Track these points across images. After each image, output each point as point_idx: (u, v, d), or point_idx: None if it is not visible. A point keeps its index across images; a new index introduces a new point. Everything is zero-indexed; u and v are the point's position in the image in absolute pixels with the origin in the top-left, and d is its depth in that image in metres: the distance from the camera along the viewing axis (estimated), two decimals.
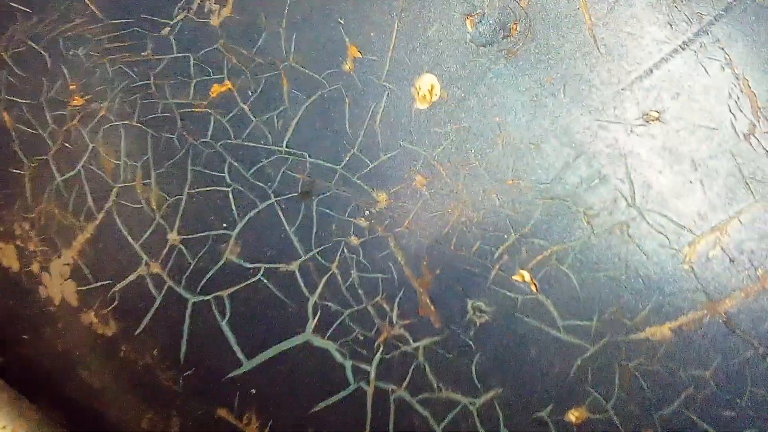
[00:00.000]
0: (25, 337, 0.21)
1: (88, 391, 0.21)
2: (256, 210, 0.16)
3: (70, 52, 0.18)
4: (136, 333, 0.18)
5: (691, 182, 0.15)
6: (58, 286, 0.19)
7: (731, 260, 0.15)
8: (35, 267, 0.19)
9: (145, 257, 0.17)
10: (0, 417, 0.20)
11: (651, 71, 0.15)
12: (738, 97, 0.16)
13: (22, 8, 0.19)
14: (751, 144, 0.15)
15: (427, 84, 0.16)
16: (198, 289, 0.17)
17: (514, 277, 0.15)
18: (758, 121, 0.16)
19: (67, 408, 0.22)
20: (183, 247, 0.17)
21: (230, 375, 0.17)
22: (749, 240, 0.15)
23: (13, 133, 0.19)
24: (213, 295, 0.17)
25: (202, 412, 0.18)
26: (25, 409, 0.21)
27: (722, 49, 0.15)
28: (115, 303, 0.18)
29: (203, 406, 0.18)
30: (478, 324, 0.15)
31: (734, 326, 0.15)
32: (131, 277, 0.18)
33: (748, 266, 0.15)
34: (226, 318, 0.17)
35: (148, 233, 0.17)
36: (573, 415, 0.15)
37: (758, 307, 0.15)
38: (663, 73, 0.16)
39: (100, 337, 0.19)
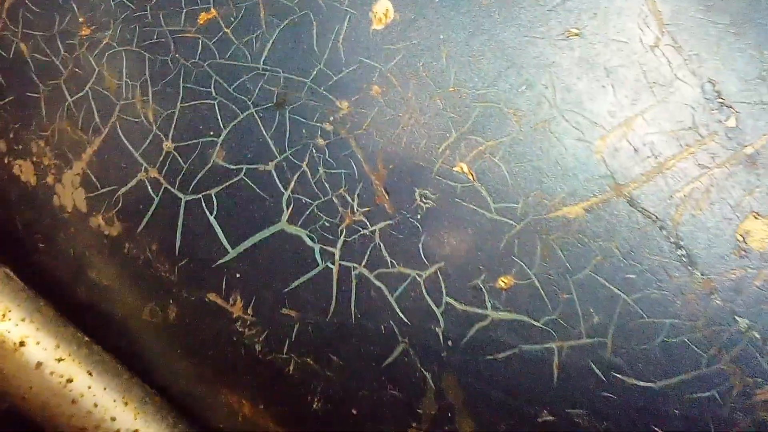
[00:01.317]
0: (41, 245, 0.25)
1: (96, 290, 0.24)
2: (238, 119, 0.20)
3: None
4: (138, 231, 0.21)
5: (603, 87, 0.18)
6: (69, 194, 0.23)
7: (635, 150, 0.18)
8: (50, 179, 0.23)
9: (144, 164, 0.21)
10: (19, 311, 0.24)
11: None
12: (646, 15, 0.19)
13: None
14: (655, 54, 0.19)
15: (383, 8, 0.19)
16: (189, 189, 0.20)
17: (455, 169, 0.19)
18: (662, 36, 0.19)
19: (79, 309, 0.25)
20: (176, 154, 0.20)
21: (218, 263, 0.20)
22: (650, 134, 0.18)
23: (30, 62, 0.22)
24: (202, 193, 0.20)
25: (195, 297, 0.21)
26: (42, 305, 0.24)
27: None
28: (119, 206, 0.21)
29: (196, 292, 0.21)
30: (424, 209, 0.19)
31: (636, 205, 0.18)
32: (132, 182, 0.21)
33: (649, 155, 0.18)
34: (214, 213, 0.20)
35: (146, 143, 0.21)
36: (502, 282, 0.18)
37: (657, 188, 0.18)
38: None
39: (107, 237, 0.22)
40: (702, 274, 0.19)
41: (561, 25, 0.21)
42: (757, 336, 0.19)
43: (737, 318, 0.19)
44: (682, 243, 0.19)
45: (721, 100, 0.20)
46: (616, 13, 0.21)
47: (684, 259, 0.19)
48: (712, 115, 0.20)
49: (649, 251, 0.19)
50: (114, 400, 0.26)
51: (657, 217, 0.19)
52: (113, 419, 0.25)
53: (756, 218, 0.19)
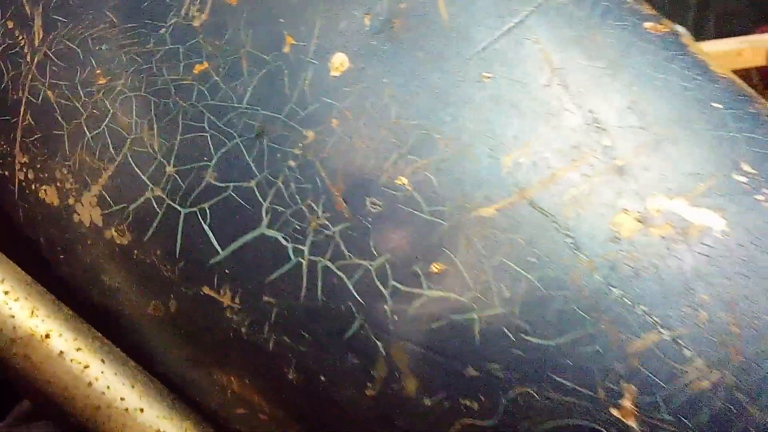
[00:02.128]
0: (61, 257, 0.30)
1: (108, 292, 0.30)
2: (226, 147, 0.26)
3: (96, 48, 0.28)
4: (145, 239, 0.27)
5: (509, 117, 0.25)
6: (87, 212, 0.29)
7: (534, 164, 0.24)
8: (71, 200, 0.29)
9: (150, 185, 0.27)
10: (44, 309, 0.29)
11: None
12: (542, 62, 0.25)
13: (62, 19, 0.28)
14: (548, 92, 0.25)
15: (339, 60, 0.26)
16: (187, 204, 0.26)
17: (397, 182, 0.25)
18: (553, 77, 0.25)
19: (93, 309, 0.31)
20: (176, 176, 0.26)
21: (211, 262, 0.26)
22: (545, 152, 0.25)
23: (56, 106, 0.28)
24: (198, 207, 0.26)
25: (192, 292, 0.27)
26: (62, 306, 0.30)
27: None
28: (129, 219, 0.27)
29: (193, 287, 0.27)
30: (374, 213, 0.25)
31: (535, 205, 0.24)
32: (141, 200, 0.27)
33: (544, 168, 0.25)
34: (207, 222, 0.26)
35: (152, 168, 0.27)
36: (435, 267, 0.24)
37: (550, 193, 0.24)
38: None
39: (118, 246, 0.28)
40: (585, 257, 0.25)
41: (477, 71, 0.27)
42: (628, 301, 0.25)
43: (612, 289, 0.25)
44: (570, 233, 0.26)
45: (598, 125, 0.26)
46: (519, 61, 0.27)
47: (572, 245, 0.25)
48: (591, 137, 0.26)
49: (545, 241, 0.26)
50: (123, 384, 0.31)
51: (551, 215, 0.26)
52: (122, 399, 0.31)
53: (625, 213, 0.26)
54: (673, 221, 0.25)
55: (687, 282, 0.25)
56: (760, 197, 0.26)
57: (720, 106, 0.27)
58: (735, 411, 0.24)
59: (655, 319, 0.25)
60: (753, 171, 0.26)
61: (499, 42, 0.27)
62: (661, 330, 0.25)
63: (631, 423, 0.25)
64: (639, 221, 0.25)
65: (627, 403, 0.25)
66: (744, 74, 1.25)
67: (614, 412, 0.25)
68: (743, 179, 0.26)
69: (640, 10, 0.28)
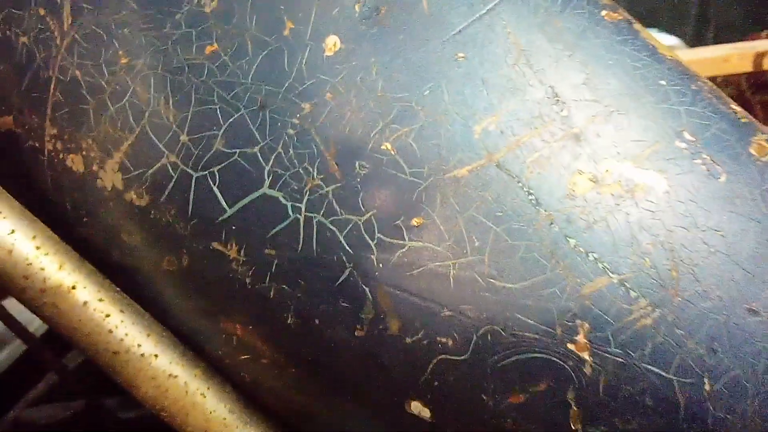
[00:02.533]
0: (85, 219, 0.34)
1: (127, 250, 0.34)
2: (233, 117, 0.30)
3: (119, 31, 0.32)
4: (161, 200, 0.31)
5: (480, 91, 0.29)
6: (110, 177, 0.32)
7: (501, 132, 0.28)
8: (95, 167, 0.33)
9: (166, 152, 0.31)
10: (70, 264, 0.33)
11: None
12: (510, 44, 0.29)
13: (88, 6, 0.32)
14: (515, 70, 0.29)
15: (332, 41, 0.30)
16: (199, 168, 0.30)
17: (382, 147, 0.29)
18: (519, 57, 0.29)
19: (113, 266, 0.35)
20: (190, 144, 0.30)
21: (219, 219, 0.30)
22: (510, 121, 0.28)
23: (82, 83, 0.32)
24: (208, 170, 0.30)
25: (202, 247, 0.31)
26: (85, 262, 0.34)
27: None
28: (147, 183, 0.31)
29: (203, 242, 0.31)
30: (362, 175, 0.29)
31: (502, 167, 0.28)
32: (158, 165, 0.31)
33: (510, 135, 0.29)
34: (216, 184, 0.30)
35: (168, 137, 0.31)
36: (415, 221, 0.28)
37: (515, 156, 0.28)
38: None
39: (137, 207, 0.32)
40: (545, 211, 0.29)
41: (452, 51, 0.31)
42: (582, 250, 0.29)
43: (568, 239, 0.29)
44: (532, 191, 0.29)
45: (557, 99, 0.30)
46: (489, 43, 0.31)
47: (533, 201, 0.29)
48: (551, 108, 0.30)
49: (510, 197, 0.30)
50: (139, 332, 0.35)
51: (515, 175, 0.30)
52: (139, 345, 0.35)
53: (580, 174, 0.30)
54: (622, 181, 0.29)
55: (633, 233, 0.29)
56: (698, 161, 0.30)
57: (665, 83, 0.31)
58: (674, 344, 0.28)
59: (605, 265, 0.29)
60: (692, 138, 0.30)
61: (472, 27, 0.31)
62: (611, 275, 0.29)
63: (585, 356, 0.29)
64: (592, 181, 0.29)
65: (581, 338, 0.29)
66: (733, 79, 1.29)
67: (570, 346, 0.29)
68: (684, 145, 0.30)
69: (597, 0, 0.32)
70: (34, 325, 0.65)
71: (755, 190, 0.30)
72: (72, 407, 0.62)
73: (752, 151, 0.30)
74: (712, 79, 1.36)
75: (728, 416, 0.28)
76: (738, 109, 0.32)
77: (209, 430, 0.35)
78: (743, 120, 0.31)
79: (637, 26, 0.32)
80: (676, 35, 2.72)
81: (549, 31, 0.31)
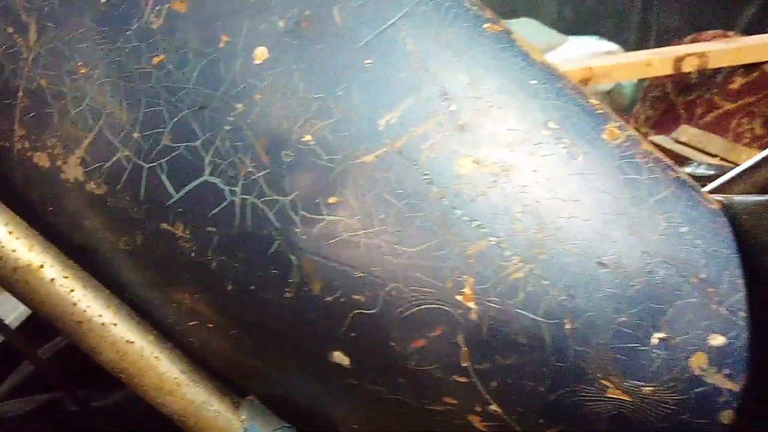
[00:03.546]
0: (50, 209, 0.40)
1: (87, 234, 0.40)
2: (178, 117, 0.36)
3: (78, 46, 0.38)
4: (117, 189, 0.37)
5: (387, 91, 0.35)
6: (72, 171, 0.38)
7: (401, 124, 0.35)
8: (59, 162, 0.39)
9: (120, 147, 0.37)
10: (39, 246, 0.39)
11: None
12: (410, 54, 0.36)
13: (51, 24, 0.38)
14: (416, 75, 0.36)
15: (260, 52, 0.36)
16: (149, 160, 0.36)
17: (303, 138, 0.35)
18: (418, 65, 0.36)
19: (75, 248, 0.40)
20: (141, 140, 0.37)
21: (167, 203, 0.36)
22: (409, 114, 0.35)
23: (47, 91, 0.38)
24: (157, 162, 0.36)
25: (154, 227, 0.37)
26: (51, 244, 0.39)
27: None
28: (105, 174, 0.37)
29: (154, 223, 0.37)
30: (287, 162, 0.35)
31: (403, 153, 0.35)
32: (114, 159, 0.37)
33: (409, 126, 0.35)
34: (164, 173, 0.36)
35: (122, 134, 0.37)
36: (332, 199, 0.35)
37: (413, 143, 0.35)
38: None
39: (96, 195, 0.38)
40: (437, 188, 0.36)
41: (361, 59, 0.38)
42: (466, 219, 0.36)
43: (455, 210, 0.36)
44: (426, 172, 0.36)
45: (446, 96, 0.37)
46: (391, 52, 0.38)
47: (427, 180, 0.36)
48: (442, 105, 0.37)
49: (409, 178, 0.36)
50: (100, 304, 0.41)
51: (413, 159, 0.36)
52: (100, 315, 0.40)
53: (465, 157, 0.36)
54: (499, 163, 0.36)
55: (508, 204, 0.36)
56: (560, 145, 0.37)
57: (535, 82, 0.38)
58: (541, 292, 0.35)
59: (485, 230, 0.36)
60: (556, 127, 0.37)
61: (377, 38, 0.38)
62: (490, 238, 0.36)
63: (471, 304, 0.36)
64: (475, 163, 0.36)
65: (467, 290, 0.36)
66: (660, 82, 1.39)
67: (459, 297, 0.36)
68: (549, 133, 0.37)
69: (481, 15, 0.40)
70: (10, 317, 0.70)
71: (606, 168, 0.37)
72: (38, 400, 0.67)
73: (605, 136, 0.38)
74: (647, 80, 1.46)
75: (585, 348, 0.35)
76: (595, 102, 0.39)
77: (163, 389, 0.41)
78: (599, 111, 0.39)
79: (515, 36, 0.40)
80: (621, 40, 2.84)
81: (441, 41, 0.38)
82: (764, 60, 1.23)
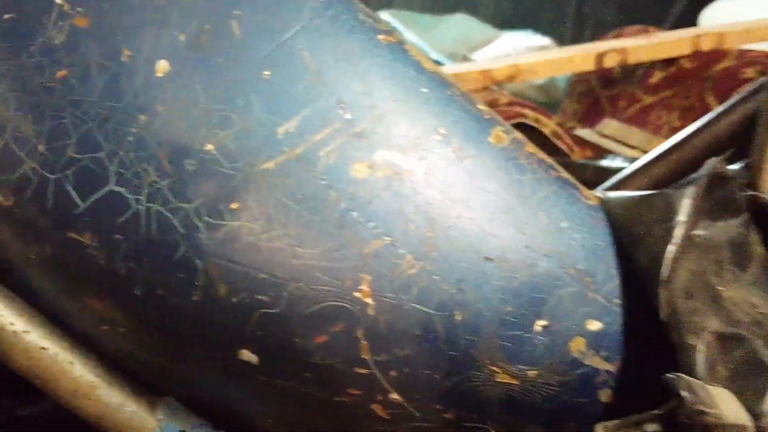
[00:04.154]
0: None
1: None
2: (83, 129, 0.37)
3: None
4: (24, 200, 0.39)
5: (284, 101, 0.38)
6: None
7: (300, 133, 0.37)
8: None
9: (26, 159, 0.38)
10: None
11: None
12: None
13: None
14: (305, 88, 0.38)
15: (162, 65, 0.38)
16: (55, 172, 0.38)
17: (205, 147, 0.37)
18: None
19: None
20: (47, 152, 0.38)
21: (74, 212, 0.38)
22: (308, 121, 0.38)
23: None
24: (62, 173, 0.38)
25: (62, 237, 0.38)
26: None
27: None
28: (12, 186, 0.39)
29: (62, 233, 0.38)
30: (191, 171, 0.37)
31: (301, 160, 0.37)
32: (20, 171, 0.38)
33: (308, 133, 0.38)
34: (70, 184, 0.38)
35: (28, 148, 0.38)
36: (233, 205, 0.37)
37: (311, 149, 0.37)
38: None
39: (4, 207, 0.39)
40: (335, 192, 0.38)
41: (260, 71, 0.40)
42: (362, 220, 0.38)
43: (352, 212, 0.38)
44: (324, 177, 0.39)
45: (343, 105, 0.40)
46: (289, 64, 0.40)
47: (325, 185, 0.39)
48: (338, 113, 0.40)
49: (307, 184, 0.39)
50: (12, 313, 0.42)
51: (311, 166, 0.39)
52: (12, 323, 0.41)
53: (360, 163, 0.39)
54: (392, 167, 0.39)
55: (401, 205, 0.39)
56: (449, 149, 0.40)
57: (427, 90, 0.41)
58: (433, 287, 0.38)
59: (380, 231, 0.38)
60: (446, 132, 0.40)
61: (275, 51, 0.40)
62: (385, 238, 0.38)
63: (368, 300, 0.38)
64: (370, 167, 0.39)
65: (365, 287, 0.38)
66: (585, 77, 1.45)
67: (357, 294, 0.38)
68: (439, 138, 0.40)
69: (376, 27, 0.42)
70: None
71: (492, 169, 0.40)
72: None
73: (491, 140, 0.41)
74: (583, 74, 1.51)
75: (475, 338, 0.38)
76: (484, 108, 0.42)
77: (78, 393, 0.42)
78: (486, 117, 0.42)
79: (408, 46, 0.42)
80: (557, 34, 2.92)
81: (336, 53, 0.41)
82: (681, 55, 1.29)
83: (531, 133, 1.12)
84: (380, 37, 0.42)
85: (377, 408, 0.40)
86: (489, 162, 0.40)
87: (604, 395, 0.39)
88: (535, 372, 0.39)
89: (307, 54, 0.40)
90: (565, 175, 0.42)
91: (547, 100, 2.29)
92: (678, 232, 0.36)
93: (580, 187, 0.42)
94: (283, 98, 0.39)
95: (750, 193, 0.40)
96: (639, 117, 1.27)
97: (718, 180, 0.38)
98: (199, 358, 0.42)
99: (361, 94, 0.40)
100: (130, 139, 0.39)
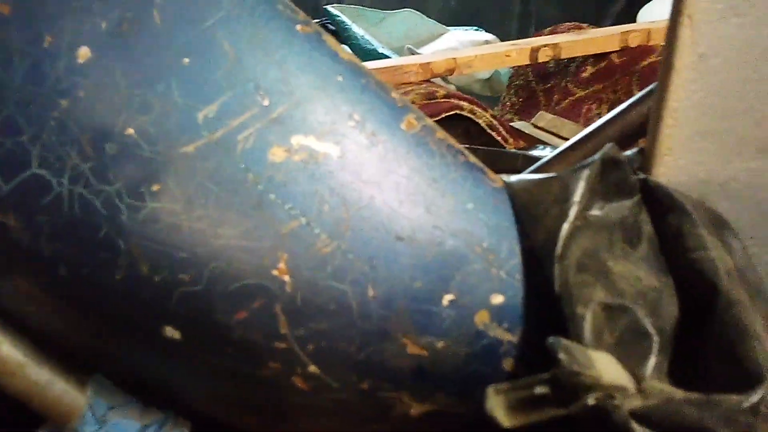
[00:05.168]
0: None
1: None
2: (4, 114, 0.38)
3: None
4: None
5: (207, 86, 0.38)
6: None
7: (219, 118, 0.38)
8: None
9: None
10: None
11: None
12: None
13: None
14: (232, 78, 0.39)
15: (83, 51, 0.38)
16: None
17: (125, 132, 0.37)
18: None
19: None
20: None
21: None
22: (228, 108, 0.38)
23: None
24: None
25: None
26: None
27: None
28: None
29: None
30: (111, 154, 0.37)
31: (220, 143, 0.38)
32: None
33: (228, 118, 0.38)
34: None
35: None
36: (155, 187, 0.37)
37: (230, 135, 0.38)
38: None
39: None
40: (252, 175, 0.39)
41: (180, 58, 0.40)
42: (279, 202, 0.39)
43: (269, 194, 0.39)
44: (242, 161, 0.39)
45: (261, 92, 0.41)
46: (208, 51, 0.41)
47: (243, 168, 0.39)
48: (256, 100, 0.40)
49: (225, 166, 0.39)
50: None
51: (230, 149, 0.40)
52: None
53: (277, 147, 0.40)
54: (307, 151, 0.40)
55: (316, 188, 0.40)
56: (363, 134, 0.41)
57: (342, 78, 0.42)
58: (347, 264, 0.40)
59: (297, 212, 0.39)
60: (360, 118, 0.41)
61: (196, 39, 0.41)
62: (301, 218, 0.39)
63: (285, 278, 0.39)
64: (286, 151, 0.40)
65: (282, 265, 0.39)
66: (523, 71, 1.48)
67: (274, 272, 0.39)
68: (353, 123, 0.41)
69: (294, 17, 0.43)
70: None
71: (403, 154, 0.42)
72: None
73: (403, 126, 0.42)
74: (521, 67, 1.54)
75: (387, 312, 0.40)
76: (398, 96, 0.43)
77: (6, 372, 0.43)
78: (399, 104, 0.43)
79: (326, 37, 0.43)
80: (503, 31, 2.96)
81: (255, 42, 0.41)
82: (611, 50, 1.33)
83: (468, 124, 1.14)
84: (298, 27, 0.43)
85: (298, 380, 0.41)
86: (400, 147, 0.41)
87: (508, 364, 0.41)
88: (443, 343, 0.40)
89: (226, 42, 0.41)
90: (473, 159, 0.43)
91: (491, 94, 2.33)
92: (572, 212, 0.38)
93: (487, 170, 0.43)
94: (202, 84, 0.40)
95: (642, 176, 0.43)
96: (571, 110, 1.30)
97: (612, 164, 0.40)
98: (124, 335, 0.42)
99: (278, 81, 0.41)
100: (52, 123, 0.39)
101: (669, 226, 0.40)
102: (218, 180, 0.39)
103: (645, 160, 0.45)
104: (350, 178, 0.40)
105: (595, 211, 0.41)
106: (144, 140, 0.39)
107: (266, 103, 0.40)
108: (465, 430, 0.45)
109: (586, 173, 0.40)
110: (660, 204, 0.41)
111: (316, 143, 0.40)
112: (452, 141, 0.44)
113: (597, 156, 0.41)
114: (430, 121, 0.44)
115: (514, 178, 0.43)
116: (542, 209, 0.40)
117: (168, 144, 0.39)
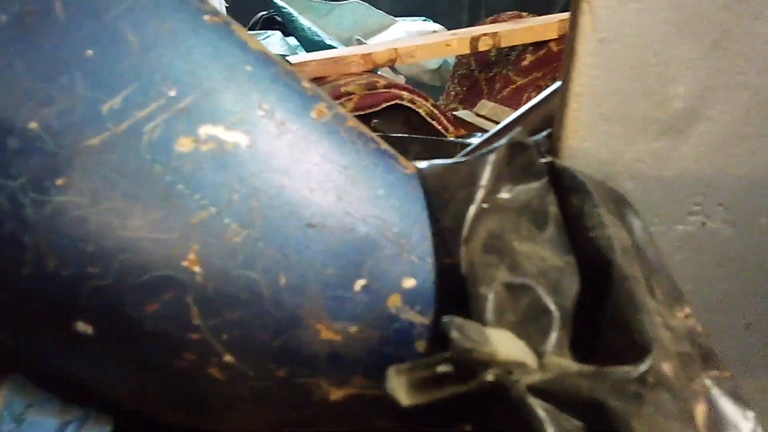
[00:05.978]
0: None
1: None
2: None
3: None
4: None
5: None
6: None
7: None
8: None
9: None
10: None
11: None
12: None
13: None
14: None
15: None
16: None
17: (29, 126, 0.37)
18: None
19: None
20: None
21: None
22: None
23: None
24: None
25: None
26: None
27: None
28: None
29: None
30: (14, 148, 0.37)
31: (132, 135, 0.37)
32: None
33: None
34: None
35: None
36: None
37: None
38: None
39: None
40: (160, 165, 0.39)
41: (83, 50, 0.40)
42: (188, 192, 0.39)
43: (177, 185, 0.39)
44: (149, 153, 0.39)
45: (168, 82, 0.40)
46: (112, 42, 0.40)
47: (150, 160, 0.39)
48: (163, 92, 0.40)
49: (132, 158, 0.39)
50: None
51: (135, 141, 0.39)
52: None
53: (185, 137, 0.40)
54: (216, 141, 0.40)
55: (225, 177, 0.40)
56: (272, 123, 0.41)
57: (250, 68, 0.42)
58: (258, 253, 0.40)
59: (206, 202, 0.39)
60: (269, 108, 0.41)
61: (100, 30, 0.40)
62: (211, 208, 0.39)
63: (196, 269, 0.39)
64: (194, 142, 0.40)
65: (192, 256, 0.39)
66: (465, 61, 1.49)
67: (184, 263, 0.39)
68: (262, 113, 0.41)
69: (201, 8, 0.43)
70: None
71: (314, 142, 0.42)
72: None
73: (313, 115, 0.42)
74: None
75: (299, 299, 0.40)
76: (309, 85, 0.44)
77: None
78: (310, 93, 0.43)
79: (234, 26, 0.43)
80: (454, 21, 2.98)
81: (162, 33, 0.41)
82: (550, 38, 1.35)
83: (408, 114, 1.15)
84: (206, 17, 0.43)
85: (214, 370, 0.41)
86: (310, 135, 0.42)
87: (421, 346, 0.42)
88: (356, 328, 0.41)
89: (131, 33, 0.40)
90: (384, 146, 0.44)
91: (440, 83, 2.34)
92: (478, 195, 0.39)
93: (399, 157, 0.44)
94: (106, 76, 0.39)
95: (549, 159, 0.44)
96: (512, 97, 1.32)
97: (519, 148, 0.41)
98: (36, 332, 0.42)
99: (185, 71, 0.40)
100: None
101: (572, 206, 0.41)
102: (125, 172, 0.39)
103: (553, 143, 0.46)
104: (260, 167, 0.40)
105: (503, 194, 0.42)
106: (47, 134, 0.38)
107: (173, 93, 0.40)
108: (387, 412, 0.45)
109: (492, 158, 0.41)
110: (565, 186, 0.42)
111: (225, 133, 0.40)
112: (364, 128, 0.44)
113: (503, 140, 0.42)
114: (341, 110, 0.44)
115: (425, 163, 0.44)
116: (450, 193, 0.41)
117: (72, 137, 0.38)
